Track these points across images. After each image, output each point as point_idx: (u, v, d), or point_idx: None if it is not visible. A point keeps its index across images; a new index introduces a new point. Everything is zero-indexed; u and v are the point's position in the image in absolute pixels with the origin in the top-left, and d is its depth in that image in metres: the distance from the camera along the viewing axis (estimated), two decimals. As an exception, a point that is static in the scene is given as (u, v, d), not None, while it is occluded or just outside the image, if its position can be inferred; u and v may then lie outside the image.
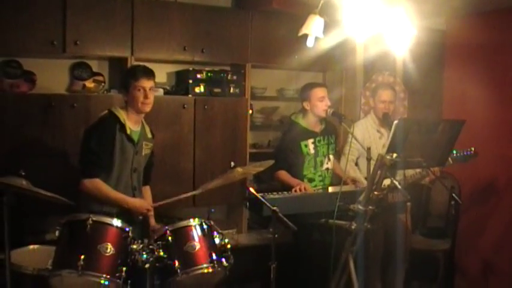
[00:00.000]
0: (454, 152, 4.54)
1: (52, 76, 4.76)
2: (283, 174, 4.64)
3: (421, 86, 5.66)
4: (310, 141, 4.67)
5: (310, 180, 4.67)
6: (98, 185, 3.61)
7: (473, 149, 4.64)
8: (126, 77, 3.80)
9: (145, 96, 3.71)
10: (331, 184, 4.80)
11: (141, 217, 3.79)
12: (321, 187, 4.68)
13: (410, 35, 3.75)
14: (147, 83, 3.73)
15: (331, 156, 4.79)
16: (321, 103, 4.61)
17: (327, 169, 4.77)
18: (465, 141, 4.16)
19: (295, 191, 4.46)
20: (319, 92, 4.63)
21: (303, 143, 4.66)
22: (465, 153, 4.65)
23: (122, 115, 3.72)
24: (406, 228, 4.87)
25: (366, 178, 4.14)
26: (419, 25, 3.85)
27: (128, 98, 3.74)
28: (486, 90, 5.18)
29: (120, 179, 3.73)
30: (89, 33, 4.53)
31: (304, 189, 4.46)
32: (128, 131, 3.71)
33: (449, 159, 4.50)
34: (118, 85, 3.89)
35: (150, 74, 3.78)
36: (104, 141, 3.63)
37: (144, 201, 3.85)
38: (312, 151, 4.67)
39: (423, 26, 4.60)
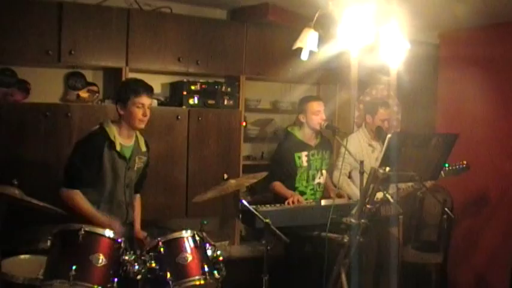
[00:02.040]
0: (446, 165, 4.55)
1: (46, 85, 4.76)
2: (278, 186, 4.64)
3: (415, 99, 5.68)
4: (304, 153, 4.68)
5: (302, 194, 4.66)
6: (75, 196, 3.56)
7: (465, 162, 4.65)
8: (125, 90, 3.67)
9: (144, 114, 3.65)
10: (323, 198, 4.80)
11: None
12: (312, 200, 4.68)
13: (404, 48, 3.78)
14: (147, 100, 3.66)
15: (324, 171, 4.79)
16: (315, 116, 4.63)
17: (319, 184, 4.77)
18: (457, 154, 4.18)
19: (288, 203, 4.46)
20: (314, 106, 4.64)
21: (296, 155, 4.66)
22: (457, 166, 4.66)
23: (113, 131, 3.65)
24: (397, 242, 4.89)
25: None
26: (413, 39, 3.88)
27: (124, 112, 3.64)
28: (479, 103, 5.21)
29: (113, 196, 3.70)
30: (84, 43, 4.54)
31: (298, 200, 4.46)
32: (118, 148, 3.65)
33: (442, 172, 4.51)
34: (114, 97, 3.82)
35: (151, 91, 3.71)
36: (88, 158, 3.58)
37: (116, 223, 3.58)
38: (305, 164, 4.67)
39: (417, 40, 4.63)
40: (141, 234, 3.88)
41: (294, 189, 4.66)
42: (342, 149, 4.60)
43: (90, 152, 3.59)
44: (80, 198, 3.57)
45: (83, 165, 3.57)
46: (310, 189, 4.72)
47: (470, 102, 5.30)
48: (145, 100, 3.65)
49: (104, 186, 3.65)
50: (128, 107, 3.63)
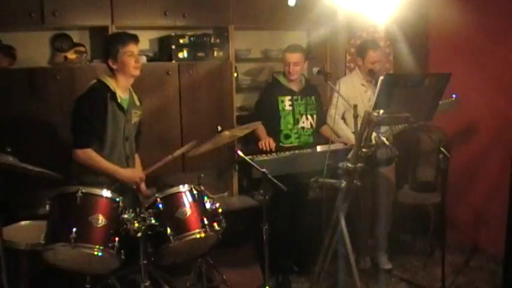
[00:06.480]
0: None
1: (33, 49, 4.70)
2: (259, 128, 4.68)
3: (406, 38, 5.60)
4: (288, 98, 4.77)
5: (287, 137, 4.78)
6: (91, 155, 3.59)
7: (454, 95, 4.60)
8: (112, 44, 3.71)
9: (136, 61, 3.72)
10: (309, 143, 4.82)
11: (134, 186, 3.80)
12: (296, 144, 4.77)
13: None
14: (135, 48, 3.73)
15: (308, 116, 4.83)
16: (286, 67, 4.74)
17: (303, 128, 4.84)
18: (450, 92, 4.17)
19: (261, 144, 4.55)
20: (286, 57, 4.73)
21: (280, 98, 4.76)
22: (446, 100, 4.60)
23: (112, 83, 3.69)
24: (390, 183, 4.95)
25: (353, 133, 4.13)
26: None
27: (117, 66, 3.68)
28: (470, 36, 5.17)
29: (114, 149, 3.72)
30: (67, 3, 4.46)
31: (269, 143, 4.54)
32: (119, 99, 3.69)
33: None
34: (102, 54, 3.80)
35: (136, 38, 3.77)
36: (97, 109, 3.59)
37: (135, 171, 3.86)
38: (288, 108, 4.77)
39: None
40: (148, 191, 3.94)
41: (279, 132, 4.76)
42: (335, 93, 4.60)
43: (97, 103, 3.61)
44: (96, 156, 3.62)
45: (93, 118, 3.59)
46: (295, 133, 4.82)
47: (462, 37, 5.25)
48: (133, 48, 3.72)
49: (106, 139, 3.66)
50: (119, 59, 3.67)
